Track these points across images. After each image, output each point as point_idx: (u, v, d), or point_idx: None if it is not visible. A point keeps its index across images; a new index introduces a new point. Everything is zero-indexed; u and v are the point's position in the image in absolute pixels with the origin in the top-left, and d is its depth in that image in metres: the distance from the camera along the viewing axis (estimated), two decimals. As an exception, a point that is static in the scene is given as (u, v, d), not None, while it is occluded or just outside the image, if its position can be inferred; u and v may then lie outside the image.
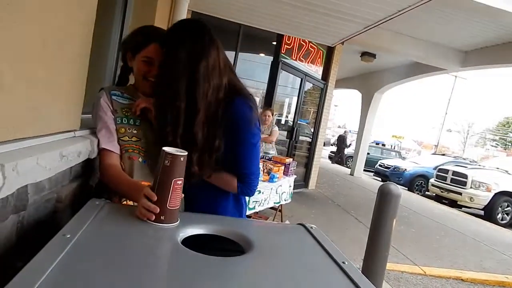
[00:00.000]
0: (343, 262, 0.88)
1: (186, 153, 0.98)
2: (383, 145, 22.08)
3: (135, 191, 1.05)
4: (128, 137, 1.25)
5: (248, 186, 1.28)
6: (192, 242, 0.94)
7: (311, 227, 1.13)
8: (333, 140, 34.49)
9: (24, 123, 0.85)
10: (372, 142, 21.98)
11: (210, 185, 1.28)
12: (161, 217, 0.95)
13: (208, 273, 0.77)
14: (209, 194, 1.30)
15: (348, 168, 13.06)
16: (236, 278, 0.77)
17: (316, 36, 4.30)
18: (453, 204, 9.43)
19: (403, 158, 16.18)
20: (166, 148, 0.97)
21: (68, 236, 0.76)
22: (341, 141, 16.11)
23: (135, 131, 1.26)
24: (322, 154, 8.90)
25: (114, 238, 0.85)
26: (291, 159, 4.21)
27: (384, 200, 2.80)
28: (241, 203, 1.37)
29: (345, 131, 18.12)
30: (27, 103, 0.85)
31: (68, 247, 0.72)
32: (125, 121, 1.26)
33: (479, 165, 11.53)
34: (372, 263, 2.81)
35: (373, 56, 8.62)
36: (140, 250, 0.81)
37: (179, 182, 0.97)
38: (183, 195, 1.20)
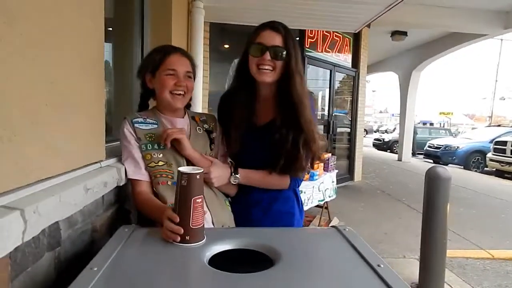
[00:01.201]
0: (378, 265, 0.82)
1: (201, 170, 0.98)
2: (431, 124, 20.96)
3: (162, 214, 1.05)
4: (155, 163, 1.26)
5: (299, 181, 1.39)
6: (221, 258, 0.93)
7: (345, 229, 1.07)
8: (376, 127, 33.40)
9: (44, 164, 0.89)
10: (419, 123, 20.98)
11: (274, 193, 1.39)
12: (186, 237, 0.95)
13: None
14: (278, 200, 1.40)
15: (395, 153, 12.51)
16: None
17: (337, 24, 4.16)
18: (517, 177, 8.69)
19: (454, 135, 15.16)
20: (181, 168, 0.98)
21: (95, 269, 0.78)
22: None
23: (160, 155, 1.27)
24: (365, 142, 8.61)
25: (140, 266, 0.85)
26: (330, 154, 4.09)
27: (433, 185, 2.63)
28: (299, 199, 1.47)
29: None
30: (44, 143, 0.89)
31: (95, 280, 0.73)
32: (149, 147, 1.27)
33: (542, 131, 10.53)
34: (430, 252, 2.64)
35: (404, 34, 8.19)
36: (167, 276, 0.81)
37: (199, 200, 0.96)
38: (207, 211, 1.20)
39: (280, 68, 1.27)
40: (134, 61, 2.36)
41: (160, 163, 1.26)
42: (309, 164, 1.36)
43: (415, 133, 11.88)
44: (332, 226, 1.13)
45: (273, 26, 1.28)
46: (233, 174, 1.32)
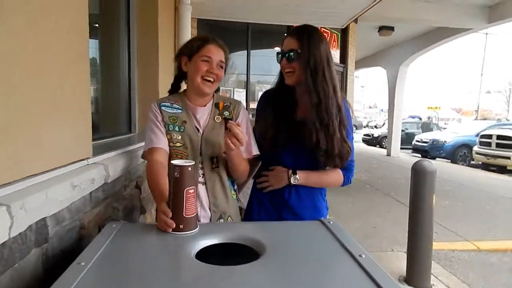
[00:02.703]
0: (360, 256, 0.85)
1: (193, 163, 1.02)
2: (419, 118, 21.21)
3: (157, 198, 1.13)
4: (173, 143, 1.35)
5: (351, 172, 1.45)
6: (208, 253, 0.94)
7: (329, 222, 1.10)
8: (365, 122, 33.67)
9: (30, 161, 0.89)
10: (408, 117, 21.21)
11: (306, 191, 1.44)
12: (180, 226, 0.99)
13: (221, 283, 0.77)
14: (309, 198, 1.46)
15: (384, 148, 12.65)
16: (247, 285, 0.76)
17: (324, 20, 4.19)
18: (502, 170, 8.87)
19: (441, 129, 15.38)
20: (174, 161, 1.02)
21: (83, 264, 0.79)
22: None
23: (179, 137, 1.36)
24: (354, 138, 8.64)
25: (128, 260, 0.86)
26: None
27: (419, 179, 2.69)
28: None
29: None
30: (30, 141, 0.89)
31: (82, 275, 0.74)
32: (171, 128, 1.36)
33: (526, 124, 10.77)
34: (417, 244, 2.70)
35: (391, 29, 8.28)
36: (154, 270, 0.82)
37: (191, 191, 1.01)
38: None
39: (299, 69, 1.34)
40: (121, 58, 2.35)
41: (178, 144, 1.36)
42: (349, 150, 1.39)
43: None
44: (317, 220, 1.16)
45: (289, 31, 1.40)
46: (292, 175, 1.39)
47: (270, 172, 1.43)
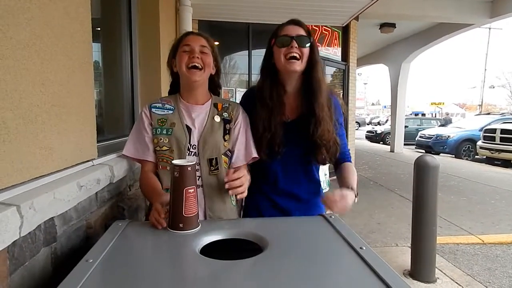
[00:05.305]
0: (361, 248, 0.87)
1: (193, 163, 1.03)
2: (423, 114, 21.14)
3: (153, 199, 1.17)
4: (159, 147, 1.31)
5: (351, 160, 1.49)
6: (212, 249, 0.97)
7: (331, 217, 1.12)
8: (368, 119, 33.57)
9: (38, 162, 0.92)
10: (411, 114, 21.13)
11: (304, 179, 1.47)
12: (180, 224, 1.01)
13: (225, 277, 0.79)
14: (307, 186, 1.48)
15: (388, 145, 12.62)
16: (250, 279, 0.79)
17: (324, 18, 4.20)
18: (506, 164, 8.83)
19: (444, 125, 15.31)
20: (174, 161, 1.04)
21: (91, 261, 0.81)
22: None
23: (166, 141, 1.31)
24: (358, 135, 8.67)
25: (134, 257, 0.89)
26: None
27: (422, 174, 2.70)
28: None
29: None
30: (37, 143, 0.92)
31: (90, 271, 0.77)
32: (159, 131, 1.32)
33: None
34: (421, 239, 2.71)
35: (393, 26, 8.25)
36: (161, 266, 0.84)
37: (191, 190, 1.02)
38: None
39: (306, 56, 1.35)
40: (123, 60, 2.38)
41: (164, 148, 1.31)
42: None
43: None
44: (319, 215, 1.18)
45: (295, 21, 1.39)
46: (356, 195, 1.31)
47: (336, 194, 1.22)
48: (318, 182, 1.51)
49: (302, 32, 1.35)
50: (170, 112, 1.35)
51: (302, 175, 1.46)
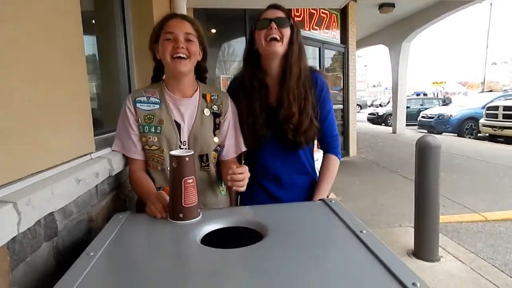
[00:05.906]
0: (361, 232, 0.87)
1: (191, 153, 1.03)
2: (425, 94, 20.96)
3: (147, 198, 1.15)
4: (149, 146, 1.28)
5: (338, 147, 1.48)
6: (212, 238, 0.97)
7: (331, 201, 1.12)
8: (370, 101, 33.36)
9: (34, 158, 0.92)
10: (412, 94, 20.96)
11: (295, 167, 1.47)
12: (180, 215, 1.02)
13: (227, 265, 0.79)
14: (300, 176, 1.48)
15: (390, 126, 12.57)
16: (253, 266, 0.79)
17: (321, 1, 4.13)
18: (509, 141, 8.80)
19: (446, 104, 15.19)
20: (172, 152, 1.04)
21: (92, 254, 0.82)
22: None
23: (155, 140, 1.27)
24: (360, 117, 8.63)
25: (135, 249, 0.90)
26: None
27: (423, 154, 2.69)
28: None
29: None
30: (32, 139, 0.91)
31: (92, 264, 0.77)
32: (146, 129, 1.27)
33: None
34: (423, 218, 2.72)
35: (392, 5, 8.10)
36: (162, 257, 0.84)
37: (190, 180, 1.03)
38: None
39: (287, 38, 1.35)
40: (118, 52, 2.35)
41: (154, 147, 1.28)
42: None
43: None
44: (319, 200, 1.17)
45: (274, 5, 1.40)
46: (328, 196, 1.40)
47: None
48: (305, 166, 1.49)
49: (281, 14, 1.36)
50: (157, 106, 1.29)
51: (291, 159, 1.45)
